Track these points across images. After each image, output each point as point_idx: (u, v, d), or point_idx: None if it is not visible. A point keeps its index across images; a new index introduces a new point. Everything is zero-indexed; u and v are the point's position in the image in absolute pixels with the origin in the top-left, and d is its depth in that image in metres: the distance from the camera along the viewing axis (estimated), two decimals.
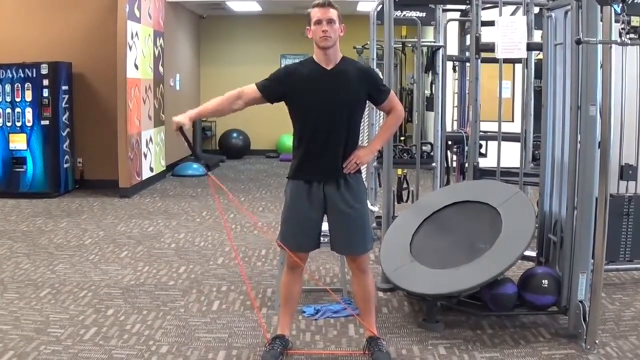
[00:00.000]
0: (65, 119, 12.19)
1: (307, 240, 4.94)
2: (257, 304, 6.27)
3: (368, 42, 8.58)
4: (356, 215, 4.88)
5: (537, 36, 6.99)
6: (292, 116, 4.96)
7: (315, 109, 4.80)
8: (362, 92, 4.89)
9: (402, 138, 9.98)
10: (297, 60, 5.17)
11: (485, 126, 7.88)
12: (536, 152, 7.29)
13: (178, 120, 4.81)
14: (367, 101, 5.05)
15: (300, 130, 4.92)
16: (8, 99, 11.69)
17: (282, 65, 5.14)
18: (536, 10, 7.19)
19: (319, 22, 4.73)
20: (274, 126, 15.86)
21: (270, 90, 4.90)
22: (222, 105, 4.97)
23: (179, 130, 4.84)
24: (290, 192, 4.97)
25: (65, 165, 12.19)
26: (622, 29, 4.77)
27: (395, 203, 8.24)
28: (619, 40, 4.79)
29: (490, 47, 6.54)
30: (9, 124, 11.73)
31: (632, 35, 4.95)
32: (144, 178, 12.86)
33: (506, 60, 6.83)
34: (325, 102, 4.77)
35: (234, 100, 4.93)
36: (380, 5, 7.44)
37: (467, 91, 8.70)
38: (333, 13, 4.75)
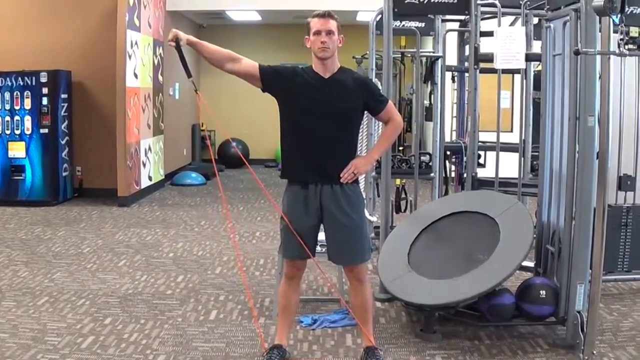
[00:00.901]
0: (65, 128, 12.19)
1: (302, 248, 4.92)
2: (255, 313, 6.26)
3: (367, 52, 8.58)
4: (353, 225, 4.88)
5: (536, 47, 7.00)
6: (284, 117, 4.97)
7: (311, 115, 4.80)
8: (359, 102, 4.89)
9: (400, 148, 10.00)
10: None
11: (483, 136, 7.89)
12: (535, 162, 7.30)
13: (177, 32, 4.87)
14: (366, 111, 5.04)
15: (292, 134, 4.92)
16: (7, 107, 11.70)
17: (289, 64, 5.13)
18: (535, 20, 7.20)
19: (318, 32, 4.74)
20: (273, 136, 15.75)
21: (269, 77, 4.91)
22: (220, 55, 4.99)
23: (175, 41, 4.85)
24: (287, 200, 4.98)
25: (64, 174, 12.19)
26: (621, 39, 4.78)
27: (394, 213, 8.25)
28: (617, 50, 4.80)
29: (489, 58, 6.55)
30: (8, 132, 11.73)
31: (630, 46, 4.99)
32: (142, 187, 12.86)
33: (505, 71, 6.83)
34: (321, 110, 4.78)
35: (232, 59, 4.96)
36: (380, 16, 7.44)
37: (466, 101, 8.70)
38: (332, 24, 4.76)
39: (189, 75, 4.94)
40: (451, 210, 6.27)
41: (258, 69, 4.89)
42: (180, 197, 13.15)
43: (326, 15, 4.78)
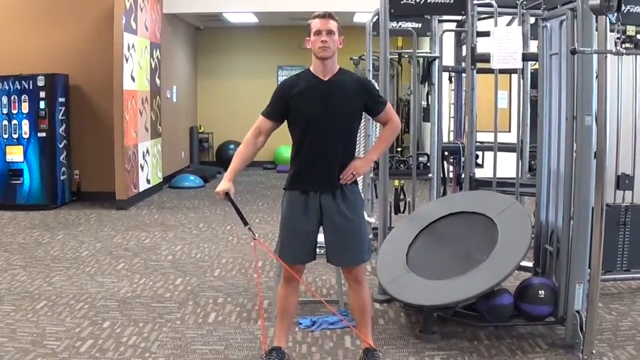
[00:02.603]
0: (62, 131, 12.18)
1: (303, 252, 4.93)
2: (254, 316, 6.26)
3: (364, 54, 8.58)
4: (352, 226, 4.88)
5: (532, 46, 7.00)
6: (290, 127, 4.97)
7: (313, 120, 4.81)
8: (359, 103, 4.90)
9: (398, 149, 9.99)
10: (293, 72, 5.18)
11: (481, 137, 7.89)
12: (532, 162, 7.30)
13: (222, 189, 4.91)
14: (364, 112, 5.04)
15: (297, 141, 4.93)
16: (5, 110, 11.70)
17: (279, 83, 5.14)
18: (532, 20, 7.20)
19: (318, 32, 4.75)
20: (271, 138, 15.73)
21: (277, 113, 4.95)
22: (249, 150, 5.03)
23: (226, 196, 4.92)
24: (286, 204, 4.97)
25: (62, 177, 12.18)
26: (618, 38, 4.77)
27: (392, 214, 8.24)
28: (614, 49, 4.80)
29: (486, 58, 6.55)
30: (5, 136, 11.73)
31: (627, 45, 4.98)
32: (140, 190, 12.86)
33: (502, 71, 6.83)
34: (322, 113, 4.78)
35: (254, 140, 5.02)
36: (376, 17, 7.44)
37: (463, 102, 8.69)
38: (333, 24, 4.77)
39: (245, 223, 4.97)
40: (449, 210, 6.26)
41: (267, 120, 4.98)
42: (178, 200, 13.14)
43: (327, 15, 4.79)
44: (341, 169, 4.85)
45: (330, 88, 4.83)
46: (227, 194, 4.89)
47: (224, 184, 4.89)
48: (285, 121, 4.97)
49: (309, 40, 4.84)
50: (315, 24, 4.78)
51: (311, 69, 4.91)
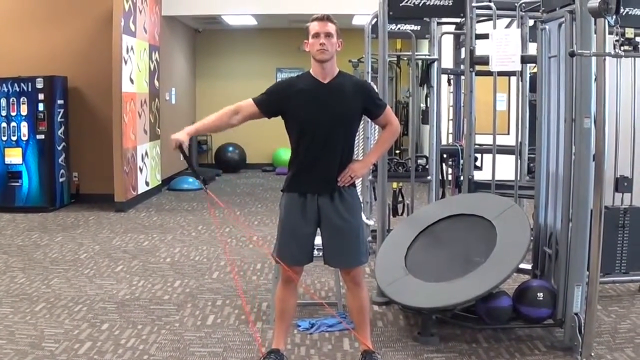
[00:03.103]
0: (61, 133, 12.18)
1: (301, 253, 4.92)
2: (251, 318, 6.26)
3: (363, 56, 8.58)
4: (350, 228, 4.87)
5: (531, 49, 7.00)
6: (289, 130, 4.96)
7: (311, 122, 4.80)
8: (358, 106, 4.89)
9: (397, 151, 9.98)
10: (292, 75, 5.17)
11: (480, 139, 7.88)
12: (531, 164, 7.30)
13: (177, 137, 4.81)
14: (363, 115, 5.04)
15: (296, 144, 4.91)
16: (3, 113, 11.70)
17: (279, 80, 5.14)
18: (530, 22, 7.21)
19: (317, 35, 4.74)
20: (270, 140, 15.80)
21: (268, 105, 4.91)
22: (220, 121, 4.96)
23: (179, 147, 4.84)
24: (284, 206, 4.97)
25: (60, 180, 12.18)
26: (616, 40, 4.78)
27: (391, 216, 8.23)
28: (613, 52, 4.81)
29: (485, 60, 6.55)
30: (4, 138, 11.73)
31: (626, 47, 4.97)
32: (139, 192, 12.85)
33: (501, 73, 6.84)
34: (321, 116, 4.77)
35: (231, 115, 4.94)
36: (375, 19, 7.44)
37: (462, 104, 8.70)
38: (331, 27, 4.77)
39: (196, 174, 4.99)
40: (448, 213, 6.26)
41: (255, 105, 4.92)
42: (177, 202, 13.14)
43: (325, 18, 4.79)
44: (339, 171, 4.84)
45: (330, 91, 4.82)
46: (180, 145, 4.84)
47: (181, 134, 4.84)
48: (284, 124, 4.96)
49: (307, 43, 4.83)
50: (314, 27, 4.78)
51: (311, 71, 4.90)
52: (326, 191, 4.84)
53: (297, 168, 4.92)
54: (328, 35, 4.75)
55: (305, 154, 4.85)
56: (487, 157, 7.66)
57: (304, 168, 4.87)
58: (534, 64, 6.75)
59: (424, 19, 8.13)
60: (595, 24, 4.97)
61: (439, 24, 8.41)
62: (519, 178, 7.09)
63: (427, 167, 7.73)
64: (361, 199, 7.29)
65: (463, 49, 7.83)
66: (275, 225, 5.12)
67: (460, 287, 5.44)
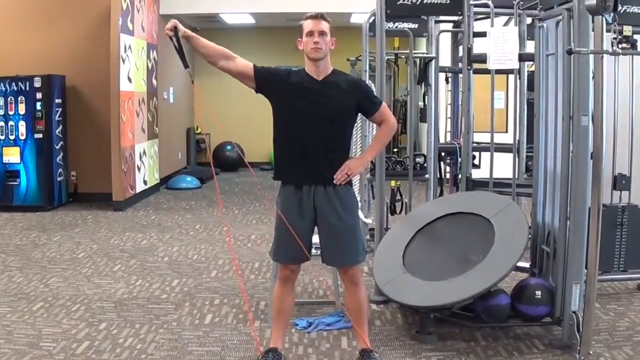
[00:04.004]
0: (59, 132, 12.18)
1: (297, 251, 4.91)
2: (250, 317, 6.25)
3: (361, 54, 8.58)
4: (347, 227, 4.87)
5: (529, 47, 6.99)
6: (277, 118, 4.98)
7: (304, 117, 4.80)
8: (352, 104, 4.89)
9: (395, 150, 9.97)
10: None
11: (478, 137, 7.89)
12: (529, 162, 7.30)
13: (176, 21, 4.91)
14: (359, 113, 5.04)
15: (285, 134, 4.92)
16: (1, 112, 11.69)
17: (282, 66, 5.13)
18: (528, 20, 7.20)
19: (310, 33, 4.74)
20: (268, 139, 15.68)
21: (263, 77, 4.91)
22: (214, 50, 4.99)
23: (173, 31, 4.88)
24: (281, 203, 4.96)
25: (58, 179, 12.18)
26: (614, 38, 4.78)
27: (389, 215, 8.23)
28: (610, 50, 4.80)
29: (483, 58, 6.55)
30: (2, 138, 11.72)
31: (624, 45, 4.96)
32: (137, 191, 12.85)
33: (499, 71, 6.84)
34: (314, 112, 4.77)
35: (225, 56, 4.97)
36: (373, 17, 7.44)
37: (460, 102, 8.70)
38: (325, 25, 4.77)
39: (186, 65, 4.93)
40: (446, 211, 6.26)
41: (252, 69, 4.90)
42: (175, 201, 13.13)
43: (319, 16, 4.79)
44: (334, 168, 4.84)
45: (324, 88, 4.82)
46: (175, 29, 4.88)
47: (182, 26, 4.89)
48: (272, 111, 4.96)
49: (301, 41, 4.83)
50: (308, 25, 4.78)
51: (305, 69, 4.90)
52: (321, 183, 4.83)
53: (289, 159, 4.91)
54: (322, 33, 4.75)
55: (297, 147, 4.84)
56: (485, 155, 7.68)
57: (297, 160, 4.85)
58: (531, 62, 6.74)
59: (422, 17, 8.13)
60: (593, 21, 4.97)
61: (436, 22, 8.43)
62: (516, 176, 7.09)
63: (425, 165, 7.74)
64: (359, 198, 7.29)
65: (461, 47, 7.83)
66: (273, 224, 5.11)
67: (458, 286, 5.44)
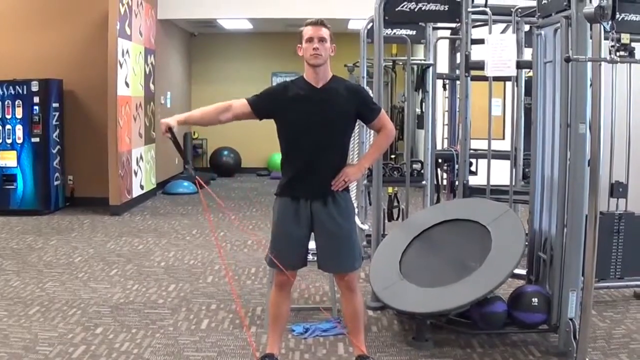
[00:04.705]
0: (56, 137, 12.16)
1: (294, 258, 4.92)
2: (246, 322, 6.25)
3: (359, 60, 8.58)
4: (343, 233, 4.87)
5: (527, 54, 7.00)
6: (280, 133, 4.95)
7: (305, 127, 4.80)
8: (352, 110, 4.89)
9: (392, 156, 9.98)
10: (288, 78, 5.17)
11: (475, 144, 7.88)
12: (526, 169, 7.30)
13: (166, 121, 4.85)
14: (357, 119, 5.04)
15: (288, 148, 4.91)
16: None
17: (274, 84, 5.14)
18: (526, 28, 7.21)
19: (310, 39, 4.74)
20: (265, 144, 15.69)
21: (260, 106, 4.91)
22: (210, 115, 4.99)
23: (169, 131, 4.87)
24: (278, 210, 4.96)
25: (55, 183, 12.16)
26: (612, 46, 4.78)
27: (386, 221, 8.23)
28: (608, 57, 4.81)
29: (480, 65, 6.55)
30: None
31: (621, 53, 4.97)
32: (134, 196, 12.84)
33: (496, 78, 6.83)
34: (314, 121, 4.77)
35: (222, 111, 4.94)
36: (371, 24, 7.45)
37: (457, 109, 8.70)
38: (325, 32, 4.77)
39: (186, 162, 4.95)
40: (443, 218, 6.26)
41: (249, 105, 4.92)
42: (172, 206, 13.12)
43: (319, 23, 4.79)
44: (333, 176, 4.84)
45: (323, 95, 4.82)
46: (170, 128, 4.86)
47: (171, 119, 4.88)
48: (276, 128, 4.96)
49: (301, 48, 4.83)
50: (307, 31, 4.78)
51: (304, 76, 4.90)
52: (320, 196, 4.84)
53: (291, 173, 4.91)
54: (322, 39, 4.75)
55: (299, 159, 4.85)
56: (482, 162, 7.67)
57: (298, 173, 4.86)
58: (529, 69, 6.75)
59: (420, 23, 8.13)
60: (590, 29, 4.98)
61: (434, 28, 8.43)
62: (514, 183, 7.09)
63: (422, 171, 7.73)
64: (356, 204, 7.28)
65: (458, 54, 7.83)
66: (270, 230, 5.11)
67: (455, 292, 5.43)
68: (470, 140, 7.25)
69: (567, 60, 4.93)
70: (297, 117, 4.82)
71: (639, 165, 6.83)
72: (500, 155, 7.72)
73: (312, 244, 4.97)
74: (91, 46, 12.38)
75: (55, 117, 12.13)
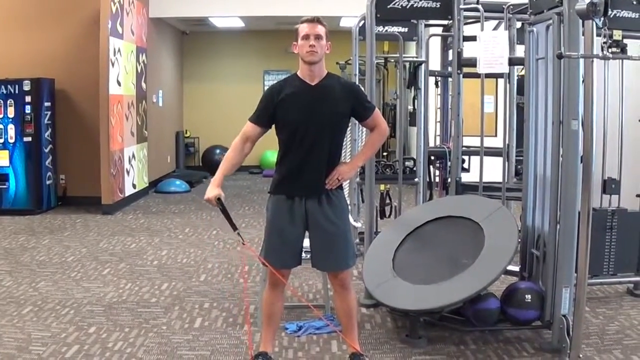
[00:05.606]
0: (48, 136, 12.15)
1: (288, 256, 4.92)
2: (242, 320, 6.24)
3: (351, 58, 8.57)
4: (337, 231, 4.86)
5: (519, 51, 7.00)
6: (278, 133, 4.96)
7: (300, 125, 4.80)
8: (346, 108, 4.88)
9: (384, 153, 9.98)
10: (279, 77, 5.17)
11: (467, 141, 7.89)
12: (519, 166, 7.29)
13: (215, 194, 4.92)
14: (351, 117, 5.04)
15: (284, 146, 4.92)
16: None
17: (266, 88, 5.13)
18: (518, 25, 7.21)
19: (306, 37, 4.74)
20: (258, 142, 15.81)
21: (263, 119, 4.94)
22: (236, 158, 5.03)
23: (218, 202, 4.91)
24: (271, 208, 4.96)
25: (47, 182, 12.14)
26: (604, 42, 4.78)
27: (378, 219, 8.22)
28: (600, 54, 4.80)
29: (472, 62, 6.55)
30: None
31: (614, 49, 4.97)
32: (126, 195, 12.82)
33: (489, 75, 6.83)
34: (309, 118, 4.77)
35: (242, 145, 5.01)
36: (363, 21, 7.44)
37: (449, 106, 8.70)
38: (321, 29, 4.77)
39: (235, 228, 4.91)
40: (436, 215, 6.26)
41: (255, 126, 4.97)
42: (164, 205, 13.12)
43: (315, 20, 4.79)
44: (327, 173, 4.84)
45: (318, 93, 4.82)
46: (219, 199, 4.86)
47: (214, 189, 4.89)
48: (274, 126, 4.96)
49: (296, 45, 4.82)
50: (303, 29, 4.77)
51: (298, 73, 4.89)
52: (313, 194, 4.84)
53: (285, 171, 4.91)
54: (318, 37, 4.74)
55: (294, 157, 4.85)
56: (475, 159, 7.67)
57: (292, 171, 4.86)
58: (521, 66, 6.75)
59: (412, 21, 8.12)
60: (583, 26, 4.98)
61: (426, 26, 8.41)
62: (506, 180, 7.09)
63: (414, 169, 7.72)
64: (349, 202, 7.28)
65: (450, 51, 7.81)
66: (263, 228, 5.11)
67: (448, 289, 5.43)
68: (463, 137, 7.26)
69: (560, 56, 4.93)
70: (292, 116, 4.82)
71: (632, 161, 6.86)
72: (492, 152, 7.71)
73: (305, 242, 4.96)
74: (83, 45, 12.36)
75: (47, 116, 12.12)
